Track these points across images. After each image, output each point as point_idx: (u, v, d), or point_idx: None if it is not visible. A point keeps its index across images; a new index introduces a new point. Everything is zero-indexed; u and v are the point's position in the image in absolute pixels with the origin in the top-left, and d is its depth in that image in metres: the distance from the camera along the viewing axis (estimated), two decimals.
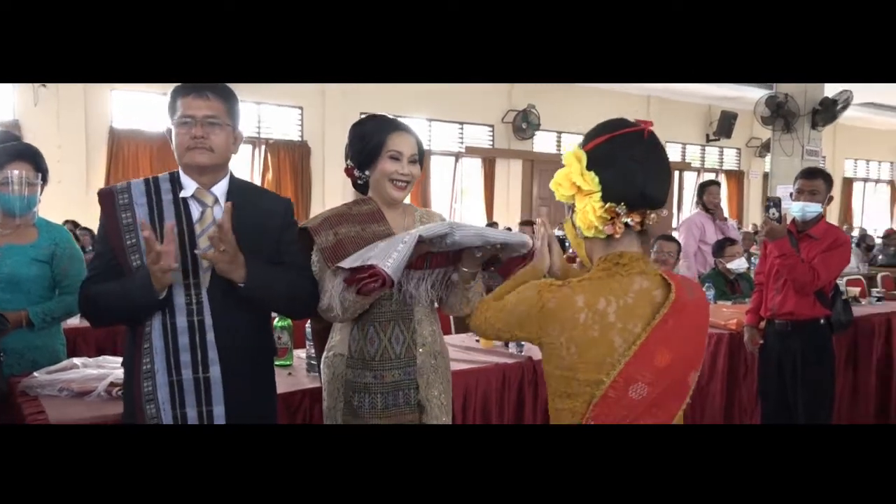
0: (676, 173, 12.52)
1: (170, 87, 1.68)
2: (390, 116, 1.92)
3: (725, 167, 13.70)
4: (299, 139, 9.47)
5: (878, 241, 9.90)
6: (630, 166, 1.31)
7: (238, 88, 1.71)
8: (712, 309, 3.28)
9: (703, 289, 1.61)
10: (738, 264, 4.43)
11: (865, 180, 15.83)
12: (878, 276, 7.08)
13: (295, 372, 2.49)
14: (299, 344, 2.71)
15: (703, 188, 5.25)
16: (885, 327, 4.06)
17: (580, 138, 1.41)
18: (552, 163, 10.41)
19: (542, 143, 11.44)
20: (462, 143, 10.76)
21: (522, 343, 2.75)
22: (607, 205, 1.32)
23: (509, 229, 7.87)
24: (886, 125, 14.74)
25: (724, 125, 12.53)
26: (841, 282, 3.81)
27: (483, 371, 2.62)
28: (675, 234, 5.06)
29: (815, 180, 3.02)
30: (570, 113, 10.93)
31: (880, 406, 4.02)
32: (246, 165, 9.02)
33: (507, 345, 2.83)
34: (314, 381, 2.28)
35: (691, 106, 12.73)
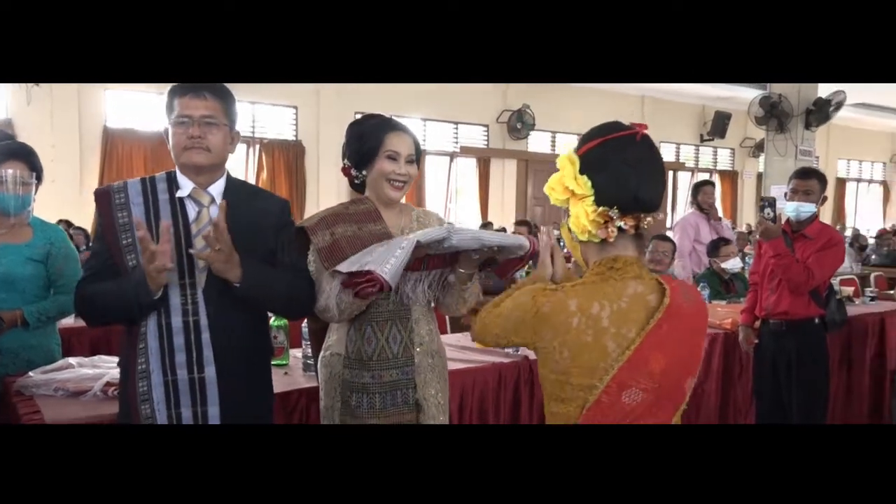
0: (671, 173, 12.53)
1: (164, 87, 1.68)
2: (387, 116, 1.92)
3: (719, 167, 13.74)
4: (294, 139, 9.45)
5: (871, 241, 9.97)
6: (623, 170, 1.30)
7: (232, 88, 1.71)
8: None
9: (699, 289, 1.61)
10: (733, 264, 4.44)
11: (858, 180, 15.91)
12: (872, 276, 7.13)
13: (291, 371, 2.49)
14: (296, 343, 2.70)
15: (698, 188, 5.26)
16: (878, 327, 4.08)
17: (575, 138, 1.41)
18: (547, 163, 10.44)
19: (537, 143, 11.45)
20: (457, 142, 10.75)
21: None
22: (600, 209, 1.31)
23: (504, 229, 7.91)
24: (879, 126, 14.82)
25: (718, 125, 12.57)
26: (834, 281, 3.82)
27: (479, 370, 2.63)
28: (669, 234, 5.08)
29: (809, 180, 3.03)
30: (565, 113, 10.94)
31: (874, 405, 4.04)
32: (240, 165, 8.97)
33: None
34: (311, 381, 2.28)
35: (685, 106, 12.76)
